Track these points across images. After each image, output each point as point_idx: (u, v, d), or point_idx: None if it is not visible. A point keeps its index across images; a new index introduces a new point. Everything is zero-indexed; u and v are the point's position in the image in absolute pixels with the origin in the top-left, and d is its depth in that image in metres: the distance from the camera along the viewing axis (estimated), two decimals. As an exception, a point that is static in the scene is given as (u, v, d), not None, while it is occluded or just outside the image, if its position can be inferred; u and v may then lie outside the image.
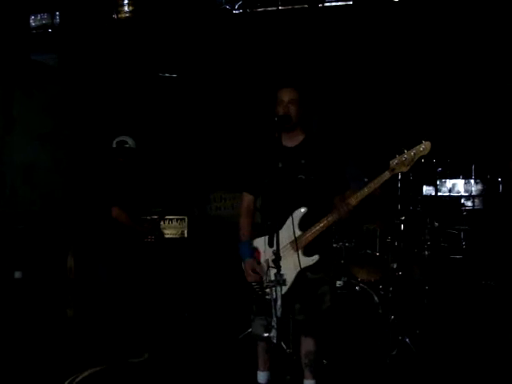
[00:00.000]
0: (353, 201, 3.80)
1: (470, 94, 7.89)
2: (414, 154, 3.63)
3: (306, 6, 8.06)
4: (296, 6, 8.09)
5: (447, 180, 8.21)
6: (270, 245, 3.53)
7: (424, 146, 3.60)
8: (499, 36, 7.49)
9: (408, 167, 3.63)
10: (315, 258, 3.88)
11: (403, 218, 5.85)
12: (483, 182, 8.12)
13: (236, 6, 8.40)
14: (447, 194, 8.28)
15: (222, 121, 8.37)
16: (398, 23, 7.86)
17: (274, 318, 3.48)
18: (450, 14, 7.74)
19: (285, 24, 7.99)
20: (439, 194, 8.03)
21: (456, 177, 8.14)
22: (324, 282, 4.06)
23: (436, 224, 6.35)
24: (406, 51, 7.88)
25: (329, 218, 3.86)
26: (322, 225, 3.87)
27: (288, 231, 3.86)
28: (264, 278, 3.79)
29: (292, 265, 3.84)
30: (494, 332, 3.36)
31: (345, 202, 3.80)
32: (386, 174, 3.71)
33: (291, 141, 4.10)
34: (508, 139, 7.18)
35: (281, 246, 3.67)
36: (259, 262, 3.96)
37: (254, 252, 4.02)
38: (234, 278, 4.22)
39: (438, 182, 8.01)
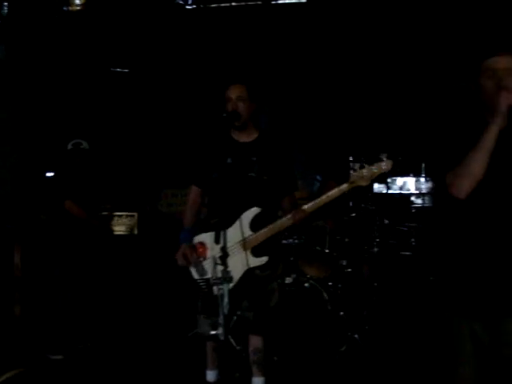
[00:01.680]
0: (309, 208, 3.81)
1: (421, 93, 7.98)
2: (375, 170, 3.66)
3: (260, 2, 8.05)
4: (249, 3, 8.07)
5: (398, 178, 8.28)
6: (217, 241, 3.51)
7: (385, 164, 3.63)
8: (445, 35, 7.59)
9: (368, 182, 3.66)
10: (264, 259, 3.88)
11: (353, 215, 5.90)
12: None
13: (189, 1, 8.33)
14: (398, 191, 8.36)
15: (174, 117, 8.30)
16: (349, 21, 7.91)
17: (221, 316, 3.45)
18: (401, 14, 7.81)
19: (238, 20, 7.96)
20: (390, 191, 8.09)
21: (407, 175, 8.22)
22: (272, 279, 4.06)
23: (386, 221, 6.40)
24: (356, 49, 7.93)
25: (283, 222, 3.86)
26: (274, 227, 3.86)
27: (237, 230, 3.84)
28: (211, 275, 3.75)
29: (240, 263, 3.83)
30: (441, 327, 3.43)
31: (301, 208, 3.81)
32: (345, 187, 3.74)
33: (243, 137, 4.08)
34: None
35: (230, 244, 3.66)
36: (205, 258, 3.93)
37: (200, 246, 3.98)
38: (184, 275, 4.18)
39: (388, 180, 8.06)
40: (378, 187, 8.06)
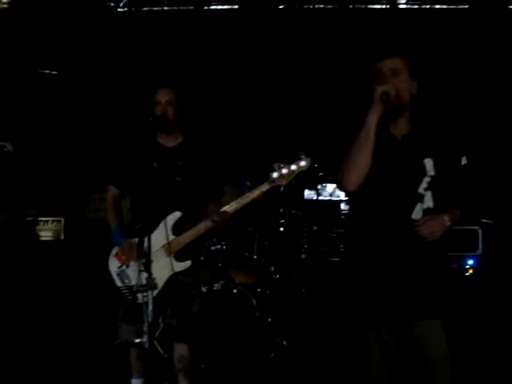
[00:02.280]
0: (231, 210, 3.81)
1: (351, 100, 8.10)
2: (294, 168, 3.69)
3: (192, 7, 8.02)
4: (181, 8, 8.03)
5: (328, 184, 8.37)
6: (140, 249, 3.47)
7: (304, 162, 3.67)
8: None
9: (287, 180, 3.69)
10: (187, 263, 3.87)
11: (282, 221, 5.91)
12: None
13: (121, 4, 8.23)
14: (328, 197, 8.45)
15: (103, 120, 8.16)
16: (280, 29, 7.97)
17: (146, 323, 3.41)
18: (323, 23, 7.96)
19: (170, 24, 7.91)
20: (320, 198, 8.15)
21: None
22: (194, 285, 4.05)
23: (315, 227, 6.45)
24: (288, 57, 7.99)
25: (205, 225, 3.85)
26: (197, 231, 3.85)
27: (160, 234, 3.81)
28: (135, 282, 3.68)
29: (164, 269, 3.80)
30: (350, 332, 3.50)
31: (222, 210, 3.80)
32: (265, 186, 3.77)
33: (169, 141, 4.06)
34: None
35: (153, 250, 3.62)
36: (128, 265, 3.88)
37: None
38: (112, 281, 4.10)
39: (319, 187, 8.13)
40: (308, 194, 8.12)
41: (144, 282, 3.44)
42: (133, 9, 8.16)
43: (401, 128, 2.92)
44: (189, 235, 3.84)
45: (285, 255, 5.79)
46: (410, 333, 2.81)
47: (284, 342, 5.26)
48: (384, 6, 8.04)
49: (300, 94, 8.14)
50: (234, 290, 5.17)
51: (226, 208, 3.82)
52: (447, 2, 7.95)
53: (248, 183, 7.14)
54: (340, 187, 2.96)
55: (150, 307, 3.42)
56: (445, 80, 7.86)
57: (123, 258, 3.88)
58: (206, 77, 8.10)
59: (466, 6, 7.95)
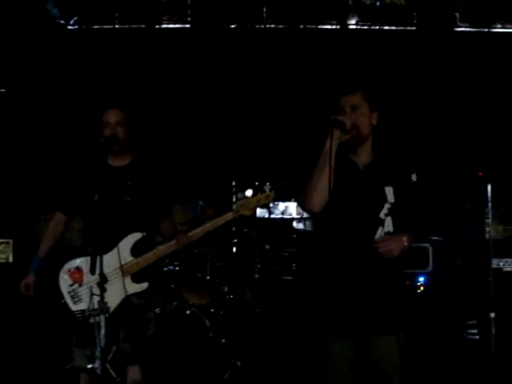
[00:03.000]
0: (194, 235, 3.81)
1: (298, 120, 8.20)
2: (258, 200, 3.74)
3: (143, 26, 7.99)
4: (133, 26, 7.99)
5: (280, 203, 8.40)
6: (92, 272, 3.42)
7: (268, 195, 3.74)
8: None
9: (251, 212, 3.76)
10: (144, 285, 3.82)
11: (235, 241, 5.91)
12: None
13: (71, 22, 8.14)
14: (280, 216, 8.49)
15: (51, 139, 8.03)
16: (233, 48, 8.01)
17: (98, 348, 3.36)
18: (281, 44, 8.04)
19: (121, 43, 7.86)
20: (272, 216, 8.18)
21: (288, 200, 8.35)
22: (149, 307, 3.99)
23: (267, 246, 6.47)
24: (240, 76, 8.04)
25: (166, 248, 3.83)
26: (157, 253, 3.82)
27: (115, 256, 3.76)
28: (87, 305, 3.61)
29: (118, 291, 3.74)
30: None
31: (186, 234, 3.80)
32: (230, 215, 3.80)
33: (119, 161, 4.02)
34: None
35: (109, 270, 3.60)
36: (81, 284, 3.81)
37: (76, 272, 3.85)
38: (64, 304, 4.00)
39: (271, 205, 8.16)
40: (260, 212, 8.13)
41: (96, 305, 3.40)
42: (83, 26, 8.07)
43: (363, 157, 3.17)
44: (149, 257, 3.80)
45: (238, 275, 5.78)
46: (369, 347, 3.03)
47: (238, 363, 5.24)
48: (334, 27, 8.15)
49: (252, 112, 8.20)
50: (188, 311, 5.15)
51: (191, 233, 3.82)
52: (395, 24, 8.11)
53: (200, 202, 7.14)
54: (304, 209, 3.16)
55: (103, 331, 3.37)
56: (394, 99, 8.01)
57: (76, 275, 3.81)
58: (158, 97, 8.08)
59: (414, 28, 8.13)
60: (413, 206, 3.19)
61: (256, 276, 5.78)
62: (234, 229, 6.65)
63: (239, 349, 5.44)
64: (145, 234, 3.84)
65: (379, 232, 3.06)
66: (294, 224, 8.44)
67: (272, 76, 8.08)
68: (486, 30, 8.06)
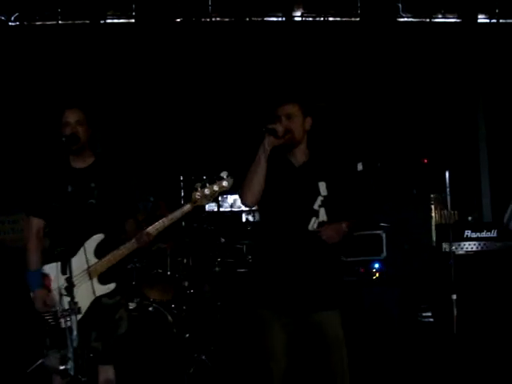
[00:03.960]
0: (153, 231, 3.75)
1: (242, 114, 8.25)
2: (216, 189, 3.66)
3: (88, 21, 7.88)
4: (77, 21, 7.87)
5: (228, 196, 8.44)
6: (63, 272, 3.38)
7: (226, 182, 3.65)
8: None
9: (209, 200, 3.68)
10: (111, 286, 3.76)
11: (193, 236, 5.90)
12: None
13: (12, 18, 7.95)
14: (229, 209, 8.52)
15: (6, 141, 7.83)
16: (178, 42, 7.98)
17: (71, 349, 3.32)
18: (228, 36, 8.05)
19: (65, 39, 7.73)
20: (221, 209, 8.21)
21: (236, 192, 8.37)
22: (120, 306, 3.95)
23: (222, 240, 6.49)
24: (187, 69, 8.01)
25: (128, 247, 3.76)
26: (120, 253, 3.75)
27: (81, 258, 3.69)
28: (57, 307, 3.57)
29: (86, 292, 3.68)
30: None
31: (145, 231, 3.74)
32: (188, 207, 3.70)
33: (80, 163, 3.94)
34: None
35: (75, 273, 3.53)
36: (50, 290, 3.75)
37: (44, 279, 3.78)
38: (18, 306, 3.94)
39: (219, 198, 8.17)
40: (209, 206, 8.14)
41: (66, 306, 3.36)
42: (25, 23, 7.90)
43: (298, 157, 3.56)
44: (111, 258, 3.73)
45: (198, 270, 5.79)
46: (310, 320, 3.42)
47: (203, 357, 5.25)
48: (280, 19, 8.22)
49: (198, 106, 8.19)
50: (150, 308, 5.12)
51: (149, 229, 3.76)
52: (340, 15, 8.24)
53: (151, 198, 7.11)
54: (241, 203, 3.57)
55: (75, 332, 3.34)
56: (338, 88, 8.15)
57: (45, 283, 3.74)
58: (103, 93, 7.97)
59: (358, 19, 8.27)
60: (351, 196, 3.57)
61: (217, 269, 5.79)
62: (183, 224, 6.64)
63: (203, 343, 5.45)
64: (106, 234, 3.78)
65: (313, 221, 3.45)
66: (244, 216, 8.50)
67: (219, 69, 8.08)
68: (428, 20, 8.28)
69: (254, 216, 8.48)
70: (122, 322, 3.93)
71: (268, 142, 3.35)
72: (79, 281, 3.65)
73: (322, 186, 3.50)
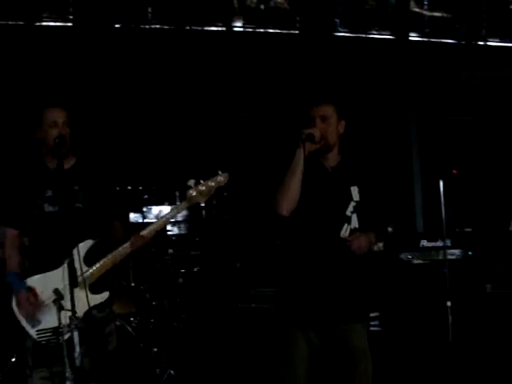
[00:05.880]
0: (148, 233, 3.56)
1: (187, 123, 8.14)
2: (212, 184, 3.51)
3: (22, 23, 7.49)
4: (10, 22, 7.46)
5: (153, 206, 8.29)
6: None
7: (222, 177, 3.53)
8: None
9: (206, 197, 3.52)
10: (105, 295, 3.55)
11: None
12: (188, 208, 8.33)
13: None
14: (154, 220, 8.33)
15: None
16: (117, 48, 7.76)
17: (68, 369, 3.11)
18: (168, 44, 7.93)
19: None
20: (146, 220, 8.05)
21: (161, 203, 8.25)
22: (110, 320, 3.75)
23: (170, 251, 6.36)
24: (127, 77, 7.80)
25: (121, 252, 3.54)
26: (113, 258, 3.53)
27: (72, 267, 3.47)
28: (58, 322, 3.31)
29: (79, 304, 3.45)
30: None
31: (139, 234, 3.54)
32: (184, 205, 3.55)
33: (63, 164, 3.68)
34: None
35: (63, 285, 3.33)
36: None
37: (31, 291, 3.50)
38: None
39: (144, 209, 8.05)
40: (134, 216, 7.99)
41: (63, 321, 3.16)
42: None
43: (331, 161, 3.47)
44: (105, 264, 3.51)
45: (160, 282, 5.61)
46: (337, 336, 3.31)
47: (171, 372, 5.07)
48: (220, 29, 8.17)
49: (137, 113, 8.01)
50: (117, 323, 4.90)
51: (144, 232, 3.56)
52: (279, 27, 8.29)
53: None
54: (274, 213, 3.33)
55: (77, 349, 3.14)
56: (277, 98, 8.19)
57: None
58: (37, 98, 7.60)
59: (297, 32, 8.36)
60: (380, 203, 3.49)
61: (180, 280, 5.63)
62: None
63: (171, 357, 5.28)
64: (96, 240, 3.56)
65: (345, 228, 3.35)
66: (169, 227, 8.35)
67: (157, 76, 7.92)
68: (364, 35, 8.48)
69: (179, 228, 8.38)
70: (112, 338, 3.75)
71: (306, 148, 3.26)
72: (68, 292, 3.41)
73: (355, 191, 3.41)
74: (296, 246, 3.41)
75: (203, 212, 8.47)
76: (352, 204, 3.38)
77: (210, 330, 5.87)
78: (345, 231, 3.34)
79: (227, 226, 8.20)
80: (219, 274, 6.95)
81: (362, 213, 3.39)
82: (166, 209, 8.22)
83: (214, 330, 5.89)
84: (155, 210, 8.35)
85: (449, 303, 4.35)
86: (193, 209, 8.22)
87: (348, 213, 3.36)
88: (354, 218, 3.37)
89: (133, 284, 5.25)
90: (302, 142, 3.26)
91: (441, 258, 5.65)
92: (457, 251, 5.77)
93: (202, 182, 3.50)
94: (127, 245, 3.53)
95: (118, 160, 7.33)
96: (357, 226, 3.37)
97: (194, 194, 3.50)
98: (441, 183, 4.38)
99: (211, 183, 3.51)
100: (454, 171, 6.26)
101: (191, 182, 3.55)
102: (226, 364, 5.39)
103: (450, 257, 5.54)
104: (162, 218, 3.61)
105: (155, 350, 5.05)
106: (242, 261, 7.12)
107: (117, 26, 7.84)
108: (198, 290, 6.27)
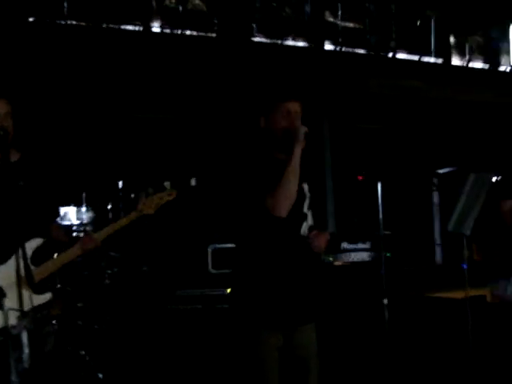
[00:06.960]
0: (100, 237, 3.50)
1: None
2: (161, 198, 3.58)
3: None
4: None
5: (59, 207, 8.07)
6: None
7: (170, 193, 3.59)
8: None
9: (154, 210, 3.57)
10: (48, 296, 3.44)
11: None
12: (94, 210, 8.18)
13: None
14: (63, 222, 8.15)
15: None
16: (30, 42, 7.52)
17: (14, 373, 2.99)
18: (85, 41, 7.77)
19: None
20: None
21: (68, 204, 8.07)
22: (47, 320, 3.62)
23: (112, 253, 6.27)
24: (48, 72, 7.58)
25: (70, 253, 3.46)
26: (62, 259, 3.45)
27: (13, 267, 3.34)
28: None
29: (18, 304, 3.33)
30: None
31: (91, 236, 3.47)
32: (133, 215, 3.55)
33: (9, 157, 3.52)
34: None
35: (7, 282, 3.20)
36: None
37: None
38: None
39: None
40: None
41: (13, 321, 3.04)
42: None
43: (282, 156, 3.25)
44: (53, 264, 3.42)
45: (86, 282, 5.48)
46: (294, 335, 3.20)
47: (100, 375, 4.95)
48: (137, 28, 8.08)
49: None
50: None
51: (96, 234, 3.51)
52: (197, 29, 8.30)
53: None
54: (270, 215, 3.11)
55: (26, 350, 3.03)
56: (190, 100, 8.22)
57: None
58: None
59: (214, 35, 8.40)
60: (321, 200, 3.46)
61: (107, 282, 5.51)
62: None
63: (99, 359, 5.15)
64: (45, 239, 3.46)
65: (304, 225, 3.25)
66: (75, 229, 8.17)
67: (70, 74, 7.74)
68: (280, 42, 8.64)
69: (85, 231, 8.19)
70: (50, 339, 3.63)
71: (302, 144, 3.15)
72: (12, 291, 3.29)
73: (306, 188, 3.33)
74: (260, 246, 3.23)
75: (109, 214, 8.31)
76: (307, 201, 3.31)
77: (137, 332, 5.78)
78: (304, 229, 3.26)
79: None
80: (138, 276, 6.85)
81: (314, 209, 3.32)
82: (71, 210, 8.02)
83: (141, 332, 5.81)
84: (61, 211, 8.13)
85: (385, 301, 4.50)
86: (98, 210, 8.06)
87: (305, 210, 3.29)
88: (309, 215, 3.30)
89: (59, 285, 5.09)
90: (301, 139, 3.13)
91: (360, 260, 5.84)
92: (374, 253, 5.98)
93: (153, 194, 3.55)
94: (77, 246, 3.46)
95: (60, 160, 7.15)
96: (312, 223, 3.29)
97: (144, 205, 3.54)
98: (379, 186, 4.48)
99: (163, 197, 3.57)
100: (358, 177, 6.51)
101: (142, 194, 3.60)
102: (155, 366, 5.34)
103: (367, 259, 5.73)
104: (116, 224, 3.56)
105: (82, 352, 4.92)
106: (150, 264, 7.02)
107: (31, 19, 7.58)
108: (121, 292, 6.16)
